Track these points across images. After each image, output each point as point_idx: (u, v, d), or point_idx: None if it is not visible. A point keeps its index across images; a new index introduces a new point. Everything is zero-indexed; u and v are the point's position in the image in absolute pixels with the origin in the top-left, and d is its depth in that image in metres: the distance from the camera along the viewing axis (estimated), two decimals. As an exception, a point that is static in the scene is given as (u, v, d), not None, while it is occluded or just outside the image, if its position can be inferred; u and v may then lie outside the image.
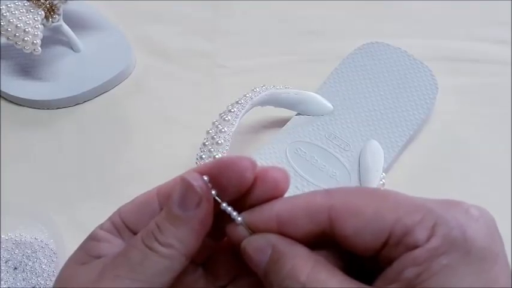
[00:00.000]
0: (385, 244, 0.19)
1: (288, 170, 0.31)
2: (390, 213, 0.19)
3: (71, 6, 0.49)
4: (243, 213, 0.21)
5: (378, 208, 0.19)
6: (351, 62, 0.48)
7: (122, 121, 0.48)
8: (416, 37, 0.53)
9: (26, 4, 0.46)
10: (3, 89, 0.48)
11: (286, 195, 0.21)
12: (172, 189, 0.21)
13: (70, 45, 0.51)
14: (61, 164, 0.45)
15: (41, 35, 0.45)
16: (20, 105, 0.49)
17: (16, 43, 0.45)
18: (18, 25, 0.45)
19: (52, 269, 0.38)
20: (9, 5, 0.45)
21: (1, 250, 0.38)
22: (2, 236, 0.39)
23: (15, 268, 0.38)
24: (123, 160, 0.45)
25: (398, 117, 0.44)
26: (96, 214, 0.25)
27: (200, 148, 0.38)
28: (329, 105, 0.45)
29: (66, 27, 0.49)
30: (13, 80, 0.49)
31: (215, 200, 0.21)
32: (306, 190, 0.40)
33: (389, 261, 0.19)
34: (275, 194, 0.21)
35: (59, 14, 0.48)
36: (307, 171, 0.41)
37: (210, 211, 0.20)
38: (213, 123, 0.39)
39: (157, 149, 0.46)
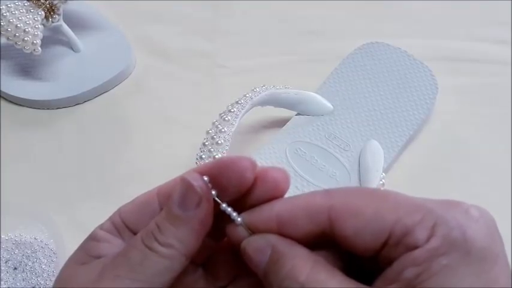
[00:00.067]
0: (384, 244, 0.19)
1: (288, 170, 0.31)
2: (390, 213, 0.19)
3: (71, 6, 0.49)
4: (243, 214, 0.21)
5: (377, 208, 0.19)
6: (351, 62, 0.48)
7: (122, 121, 0.48)
8: (416, 37, 0.53)
9: (26, 4, 0.46)
10: (3, 89, 0.48)
11: (287, 195, 0.21)
12: (172, 189, 0.21)
13: (70, 45, 0.51)
14: (61, 164, 0.45)
15: (41, 35, 0.45)
16: (20, 105, 0.49)
17: (16, 43, 0.45)
18: (18, 25, 0.45)
19: (52, 269, 0.38)
20: (9, 5, 0.45)
21: (1, 250, 0.38)
22: (2, 236, 0.39)
23: (15, 268, 0.38)
24: (123, 160, 0.45)
25: (398, 117, 0.44)
26: (96, 214, 0.25)
27: (200, 148, 0.38)
28: (329, 105, 0.45)
29: (66, 27, 0.49)
30: (13, 80, 0.49)
31: (215, 201, 0.21)
32: (306, 190, 0.40)
33: (389, 262, 0.19)
34: (275, 194, 0.21)
35: (59, 14, 0.48)
36: (307, 171, 0.41)
37: (210, 211, 0.20)
38: (213, 123, 0.39)
39: (157, 149, 0.46)
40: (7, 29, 0.45)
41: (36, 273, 0.38)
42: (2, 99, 0.49)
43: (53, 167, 0.45)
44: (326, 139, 0.43)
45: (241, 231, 0.21)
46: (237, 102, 0.40)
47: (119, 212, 0.22)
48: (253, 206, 0.21)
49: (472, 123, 0.47)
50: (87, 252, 0.21)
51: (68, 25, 0.49)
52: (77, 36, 0.50)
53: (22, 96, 0.48)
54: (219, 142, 0.37)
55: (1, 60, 0.50)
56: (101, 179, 0.44)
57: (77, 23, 0.51)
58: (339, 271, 0.19)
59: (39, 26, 0.46)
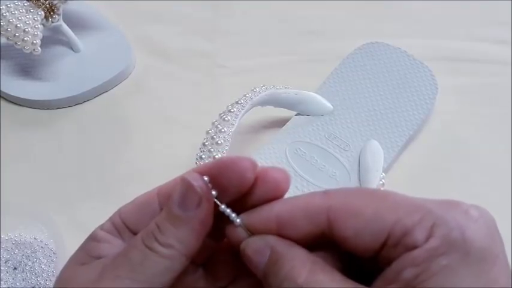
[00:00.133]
0: (384, 245, 0.19)
1: (287, 170, 0.31)
2: (389, 213, 0.19)
3: (71, 6, 0.49)
4: (242, 215, 0.21)
5: (377, 209, 0.19)
6: (351, 62, 0.48)
7: (121, 121, 0.48)
8: (416, 37, 0.53)
9: (25, 4, 0.46)
10: (3, 89, 0.48)
11: (287, 195, 0.21)
12: (172, 190, 0.21)
13: (70, 45, 0.51)
14: (61, 164, 0.45)
15: (40, 35, 0.45)
16: (20, 105, 0.49)
17: (16, 43, 0.45)
18: (18, 25, 0.45)
19: (52, 269, 0.38)
20: (9, 5, 0.45)
21: (1, 250, 0.38)
22: (2, 236, 0.39)
23: (15, 268, 0.38)
24: (123, 160, 0.45)
25: (398, 117, 0.44)
26: (96, 214, 0.25)
27: (200, 148, 0.38)
28: (329, 105, 0.45)
29: (66, 27, 0.49)
30: (13, 80, 0.49)
31: (214, 202, 0.21)
32: (306, 190, 0.40)
33: (389, 262, 0.19)
34: (276, 195, 0.21)
35: (58, 14, 0.48)
36: (307, 171, 0.41)
37: (210, 211, 0.20)
38: (213, 123, 0.39)
39: (157, 149, 0.46)
40: (7, 29, 0.45)
41: (36, 273, 0.38)
42: (2, 99, 0.49)
43: (53, 167, 0.45)
44: (326, 139, 0.43)
45: (240, 233, 0.21)
46: (237, 102, 0.40)
47: (119, 212, 0.22)
48: (253, 206, 0.21)
49: (472, 123, 0.47)
50: (87, 253, 0.21)
51: (67, 25, 0.49)
52: (77, 36, 0.50)
53: (22, 96, 0.48)
54: (219, 142, 0.37)
55: (1, 60, 0.50)
56: (101, 179, 0.44)
57: (77, 23, 0.51)
58: (338, 272, 0.19)
59: (39, 26, 0.46)
